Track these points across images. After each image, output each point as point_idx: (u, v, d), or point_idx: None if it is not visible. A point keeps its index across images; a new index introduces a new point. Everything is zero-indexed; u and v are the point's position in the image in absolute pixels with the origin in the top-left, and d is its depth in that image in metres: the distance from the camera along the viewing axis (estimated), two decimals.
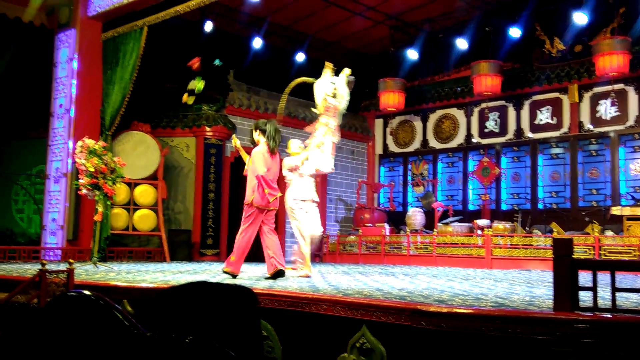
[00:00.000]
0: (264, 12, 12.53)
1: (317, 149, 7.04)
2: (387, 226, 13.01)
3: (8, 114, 13.16)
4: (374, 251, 12.49)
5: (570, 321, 3.03)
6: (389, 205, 14.61)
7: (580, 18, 11.15)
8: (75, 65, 11.09)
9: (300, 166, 7.00)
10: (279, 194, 6.72)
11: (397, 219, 14.01)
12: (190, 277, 6.73)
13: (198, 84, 8.54)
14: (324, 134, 7.10)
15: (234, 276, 6.52)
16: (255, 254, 12.79)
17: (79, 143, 8.47)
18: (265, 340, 4.24)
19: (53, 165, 11.21)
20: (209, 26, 11.90)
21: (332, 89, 7.23)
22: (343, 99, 7.29)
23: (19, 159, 13.30)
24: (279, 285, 5.34)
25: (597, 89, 11.99)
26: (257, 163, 6.61)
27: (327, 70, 7.34)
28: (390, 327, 3.65)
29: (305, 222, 7.02)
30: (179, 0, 9.90)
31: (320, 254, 13.56)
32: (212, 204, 11.90)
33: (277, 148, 6.74)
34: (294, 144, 7.40)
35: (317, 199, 7.23)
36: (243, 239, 6.55)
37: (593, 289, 3.28)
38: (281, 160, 7.00)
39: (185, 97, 8.90)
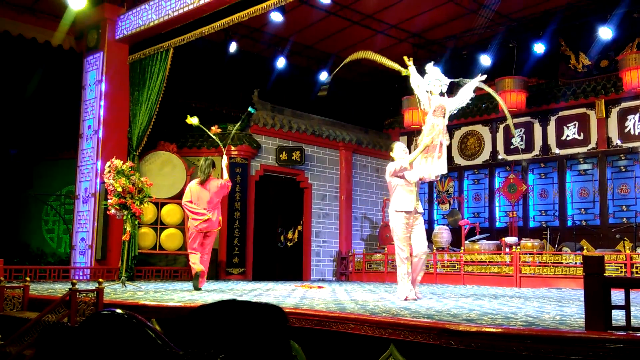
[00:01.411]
0: (287, 32, 12.67)
1: (423, 153, 6.58)
2: None
3: (38, 136, 13.46)
4: None
5: (603, 340, 2.98)
6: None
7: (605, 33, 11.06)
8: (103, 87, 11.31)
9: (409, 168, 6.49)
10: (205, 217, 7.91)
11: None
12: (217, 296, 6.76)
13: (192, 122, 8.79)
14: (431, 135, 6.58)
15: (197, 288, 7.81)
16: (278, 274, 12.84)
17: (107, 164, 8.61)
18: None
19: (82, 186, 11.39)
20: (233, 47, 12.06)
21: (433, 86, 6.82)
22: (457, 101, 6.83)
23: (48, 179, 13.56)
24: (305, 304, 5.33)
25: (624, 104, 11.84)
26: (184, 194, 8.14)
27: (410, 64, 7.00)
28: (419, 347, 3.62)
29: (403, 237, 6.48)
30: (204, 21, 10.05)
31: (347, 272, 13.51)
32: (238, 222, 11.96)
33: (206, 179, 8.09)
34: (398, 148, 6.79)
35: (421, 210, 6.70)
36: (189, 257, 8.10)
37: (626, 307, 3.22)
38: (222, 185, 8.17)
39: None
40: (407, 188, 6.54)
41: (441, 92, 6.90)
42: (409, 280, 6.40)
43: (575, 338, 3.08)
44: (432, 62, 7.10)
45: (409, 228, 6.53)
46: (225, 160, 8.44)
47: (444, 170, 6.73)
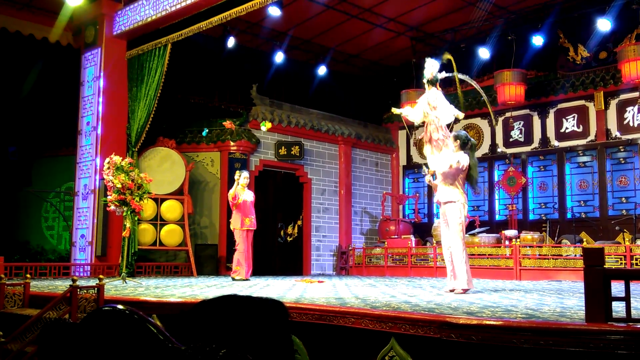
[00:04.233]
0: (285, 26, 12.64)
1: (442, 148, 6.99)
2: (413, 238, 12.93)
3: (36, 133, 13.44)
4: (400, 263, 12.42)
5: (604, 332, 2.98)
6: (415, 216, 14.54)
7: (604, 25, 11.03)
8: (101, 83, 11.29)
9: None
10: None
11: (423, 231, 13.92)
12: (218, 291, 6.76)
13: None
14: (427, 134, 7.18)
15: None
16: (278, 269, 12.86)
17: (107, 160, 8.60)
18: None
19: (81, 182, 11.38)
20: (231, 42, 12.03)
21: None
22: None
23: (48, 176, 13.54)
24: (306, 299, 5.34)
25: (623, 96, 11.83)
26: None
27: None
28: (420, 340, 3.63)
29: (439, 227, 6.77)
30: (202, 16, 10.02)
31: (347, 266, 13.53)
32: None
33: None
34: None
35: (443, 199, 6.83)
36: None
37: (626, 299, 3.23)
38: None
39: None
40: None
41: (435, 79, 7.10)
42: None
43: (575, 330, 3.08)
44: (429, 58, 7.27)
45: (442, 218, 6.84)
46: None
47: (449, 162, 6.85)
